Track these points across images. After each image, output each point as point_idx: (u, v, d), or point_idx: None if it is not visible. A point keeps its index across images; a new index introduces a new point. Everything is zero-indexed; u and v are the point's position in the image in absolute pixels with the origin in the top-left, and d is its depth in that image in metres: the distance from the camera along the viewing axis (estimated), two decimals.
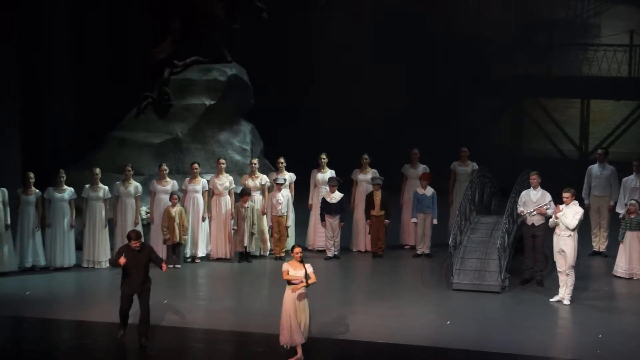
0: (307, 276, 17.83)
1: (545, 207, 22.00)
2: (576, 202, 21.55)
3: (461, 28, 36.08)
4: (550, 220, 21.57)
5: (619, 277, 24.16)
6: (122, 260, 18.52)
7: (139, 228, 24.21)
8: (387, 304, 21.93)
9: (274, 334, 18.44)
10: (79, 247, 24.05)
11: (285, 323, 18.06)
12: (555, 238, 21.45)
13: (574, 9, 36.29)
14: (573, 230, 21.20)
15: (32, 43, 28.95)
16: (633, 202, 24.39)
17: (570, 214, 21.14)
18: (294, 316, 17.97)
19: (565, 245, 21.19)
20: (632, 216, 24.12)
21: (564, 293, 21.38)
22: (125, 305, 18.95)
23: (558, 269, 21.50)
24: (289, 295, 17.98)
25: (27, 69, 28.43)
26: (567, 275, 21.30)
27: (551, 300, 21.49)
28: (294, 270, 17.95)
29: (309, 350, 18.17)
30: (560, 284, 21.48)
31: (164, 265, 19.05)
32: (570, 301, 21.34)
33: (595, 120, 35.74)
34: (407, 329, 20.18)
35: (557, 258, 21.42)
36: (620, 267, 24.24)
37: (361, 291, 23.58)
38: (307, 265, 18.01)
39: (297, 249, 18.13)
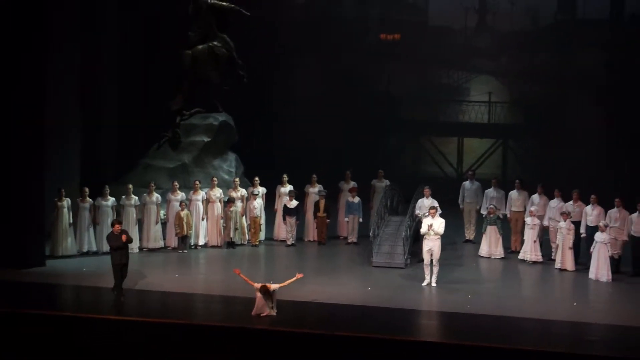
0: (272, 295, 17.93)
1: (433, 210, 21.94)
2: (437, 215, 21.51)
3: (380, 87, 36.03)
4: (422, 228, 21.31)
5: (483, 256, 24.24)
6: (124, 237, 19.41)
7: (159, 226, 24.27)
8: (328, 277, 21.90)
9: (250, 297, 18.41)
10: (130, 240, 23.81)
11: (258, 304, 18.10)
12: (425, 241, 21.18)
13: (454, 77, 36.30)
14: (441, 235, 21.15)
15: (91, 95, 28.72)
16: (491, 206, 24.50)
17: (437, 224, 21.13)
18: (262, 302, 18.00)
19: (433, 246, 21.05)
20: (491, 215, 24.24)
21: (430, 278, 21.07)
22: (118, 274, 19.37)
23: (425, 262, 21.19)
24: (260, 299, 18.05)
25: (87, 110, 28.20)
26: (434, 266, 21.05)
27: (423, 284, 21.07)
28: (262, 297, 17.93)
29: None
30: (427, 273, 21.12)
31: (124, 237, 19.49)
32: (436, 283, 21.07)
33: (467, 151, 35.78)
34: (342, 294, 20.16)
35: (426, 255, 21.14)
36: (484, 250, 24.31)
37: (311, 268, 23.42)
38: (274, 285, 18.01)
39: (265, 288, 18.03)
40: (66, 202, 23.06)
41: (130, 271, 19.92)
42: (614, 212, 22.58)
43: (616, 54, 33.67)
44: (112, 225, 19.93)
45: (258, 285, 18.11)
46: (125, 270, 19.60)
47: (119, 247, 19.39)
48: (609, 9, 34.09)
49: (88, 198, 23.47)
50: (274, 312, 18.03)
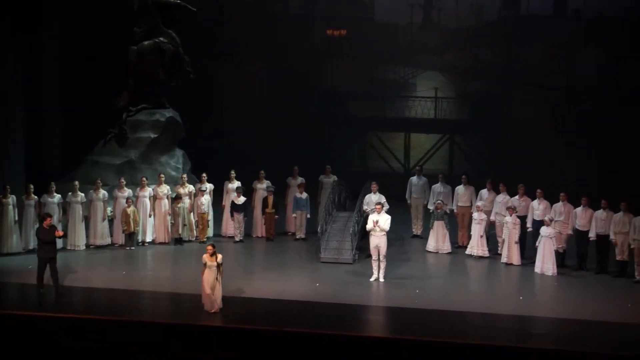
0: (218, 266, 17.96)
1: (382, 206, 22.03)
2: (384, 211, 21.60)
3: (326, 83, 36.07)
4: (368, 225, 21.39)
5: (430, 251, 24.40)
6: (59, 232, 19.98)
7: (105, 223, 24.10)
8: (276, 273, 21.92)
9: (198, 294, 18.39)
10: (64, 235, 23.59)
11: (205, 295, 18.11)
12: (372, 238, 21.23)
13: (400, 73, 36.46)
14: (387, 231, 21.25)
15: (33, 96, 28.39)
16: (439, 201, 24.67)
17: (383, 220, 21.24)
18: (208, 291, 18.01)
19: (380, 242, 21.13)
20: (438, 211, 24.40)
21: (378, 274, 21.15)
22: (42, 269, 19.42)
23: (373, 258, 21.23)
24: (206, 276, 18.03)
25: (31, 107, 27.90)
26: (381, 262, 21.14)
27: (371, 280, 21.17)
28: (209, 260, 18.04)
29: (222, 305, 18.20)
30: (374, 269, 21.21)
31: (58, 232, 19.98)
32: (384, 278, 21.17)
33: (414, 147, 35.94)
34: (290, 290, 20.21)
35: (373, 252, 21.19)
36: (431, 245, 24.46)
37: (259, 264, 23.53)
38: (219, 257, 18.12)
39: (209, 246, 18.35)
40: (11, 199, 22.79)
41: (76, 268, 19.84)
42: (559, 206, 22.87)
43: (560, 48, 34.10)
44: (42, 219, 20.00)
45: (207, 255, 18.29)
46: (54, 264, 19.55)
47: (50, 241, 19.51)
48: (553, 5, 34.50)
49: (33, 195, 23.20)
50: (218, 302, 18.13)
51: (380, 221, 21.14)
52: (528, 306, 19.48)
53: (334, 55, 35.82)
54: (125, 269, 22.03)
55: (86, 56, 31.43)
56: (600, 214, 22.19)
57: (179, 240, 24.76)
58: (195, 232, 25.19)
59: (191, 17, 28.03)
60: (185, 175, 25.66)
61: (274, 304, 19.15)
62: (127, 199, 24.10)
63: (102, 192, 24.16)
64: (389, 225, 21.25)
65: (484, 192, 24.64)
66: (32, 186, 23.35)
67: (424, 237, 25.23)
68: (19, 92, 26.69)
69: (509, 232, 23.02)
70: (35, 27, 28.42)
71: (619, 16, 33.03)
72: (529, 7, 34.80)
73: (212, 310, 18.06)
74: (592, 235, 22.30)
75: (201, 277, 18.23)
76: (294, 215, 25.69)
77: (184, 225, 24.77)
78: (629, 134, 32.11)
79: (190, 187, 25.24)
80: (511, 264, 22.95)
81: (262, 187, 25.87)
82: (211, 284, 18.04)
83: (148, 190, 24.65)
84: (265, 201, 25.50)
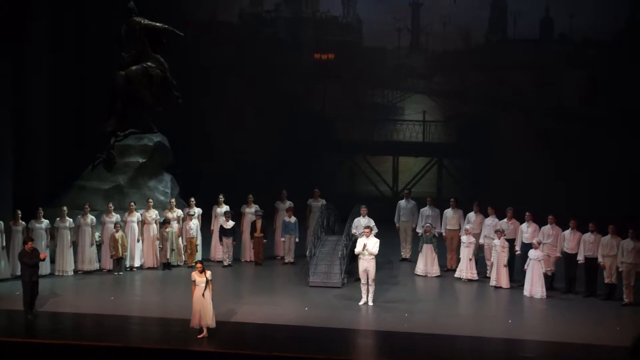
0: (207, 282, 18.02)
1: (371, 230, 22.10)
2: (372, 235, 21.70)
3: (314, 107, 36.13)
4: (357, 249, 21.45)
5: (419, 275, 24.47)
6: (43, 255, 20.31)
7: (93, 249, 24.14)
8: (265, 297, 21.96)
9: (187, 318, 18.39)
10: (52, 260, 23.64)
11: (195, 312, 18.13)
12: (360, 261, 21.25)
13: (388, 97, 36.54)
14: (375, 255, 21.29)
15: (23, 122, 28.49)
16: (427, 225, 24.78)
17: (371, 244, 21.30)
18: (197, 308, 18.08)
19: (369, 266, 21.15)
20: (427, 234, 24.51)
21: (367, 298, 21.18)
22: (28, 293, 19.49)
23: (362, 282, 21.27)
24: (197, 293, 18.09)
25: (19, 132, 27.96)
26: (370, 285, 21.16)
27: (360, 303, 21.20)
28: (198, 277, 18.12)
29: (210, 330, 18.18)
30: (363, 293, 21.24)
31: (42, 254, 20.33)
32: (373, 302, 21.21)
33: (402, 170, 35.94)
34: (279, 314, 20.25)
35: (362, 275, 21.23)
36: (420, 268, 24.53)
37: (248, 288, 23.55)
38: (208, 273, 18.20)
39: (199, 264, 18.43)
40: None
41: (65, 294, 19.81)
42: (547, 229, 22.98)
43: (546, 72, 34.33)
44: (24, 242, 20.18)
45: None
46: (37, 288, 19.68)
47: (34, 264, 19.57)
48: (539, 29, 34.77)
49: (21, 221, 23.22)
50: (212, 323, 18.11)
51: (368, 245, 21.20)
52: (517, 329, 19.55)
53: (322, 78, 35.92)
54: (114, 294, 22.05)
55: (74, 81, 31.54)
56: (589, 236, 22.31)
57: (167, 265, 24.78)
58: (183, 256, 25.23)
59: (179, 42, 28.16)
60: (173, 200, 25.73)
61: (263, 328, 19.17)
62: (115, 224, 24.13)
63: (90, 218, 24.19)
64: (377, 249, 21.30)
65: (471, 215, 24.75)
66: (19, 212, 23.37)
67: (413, 261, 25.27)
68: (6, 115, 26.70)
69: (498, 255, 23.11)
70: (22, 52, 28.47)
71: (604, 40, 33.32)
72: (515, 31, 35.01)
73: (199, 327, 18.11)
74: (580, 258, 22.41)
75: (192, 295, 18.30)
76: (283, 239, 25.74)
77: (172, 250, 24.81)
78: (617, 156, 32.29)
79: (178, 212, 25.30)
80: (500, 287, 23.03)
81: (251, 211, 25.96)
82: (200, 301, 18.09)
83: (136, 215, 24.72)
84: (253, 225, 25.56)
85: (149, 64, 27.69)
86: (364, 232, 21.69)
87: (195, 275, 18.31)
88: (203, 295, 18.09)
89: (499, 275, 23.11)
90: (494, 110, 35.15)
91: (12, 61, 27.36)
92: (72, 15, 31.52)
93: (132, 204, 24.93)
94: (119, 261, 24.07)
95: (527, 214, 23.47)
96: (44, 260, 20.20)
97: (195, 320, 18.17)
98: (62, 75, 30.68)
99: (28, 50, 28.95)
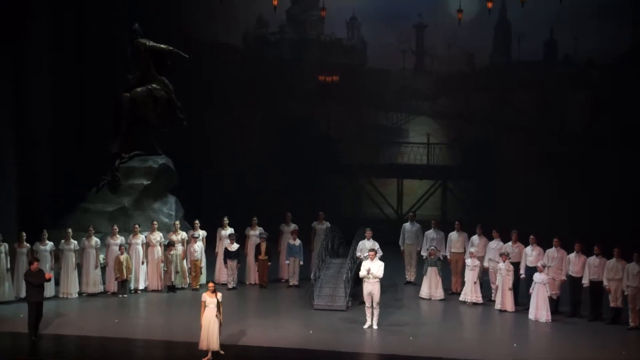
0: (218, 304, 18.05)
1: (375, 253, 22.12)
2: (377, 258, 21.72)
3: (319, 129, 36.19)
4: (361, 273, 21.48)
5: (423, 298, 24.48)
6: (48, 275, 20.42)
7: (98, 271, 24.18)
8: (270, 320, 22.00)
9: (192, 342, 18.44)
10: (57, 283, 23.67)
11: (204, 334, 18.21)
12: (365, 284, 21.30)
13: (392, 119, 36.60)
14: (380, 278, 21.30)
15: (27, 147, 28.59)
16: (432, 248, 24.80)
17: (376, 267, 21.33)
18: (205, 329, 18.12)
19: (373, 289, 21.20)
20: (432, 257, 24.52)
21: (372, 321, 21.23)
22: (33, 314, 19.64)
23: (367, 305, 21.31)
24: (206, 314, 18.16)
25: (24, 154, 28.08)
26: (375, 308, 21.21)
27: (364, 327, 21.24)
28: (209, 298, 18.18)
29: (216, 352, 18.21)
30: (368, 316, 21.29)
31: (47, 274, 20.45)
32: (378, 325, 21.26)
33: (406, 193, 35.96)
34: (283, 337, 20.31)
35: (367, 298, 21.27)
36: (424, 291, 24.55)
37: (252, 311, 23.57)
38: (219, 295, 18.28)
39: (211, 284, 18.46)
40: (3, 247, 22.79)
41: (69, 316, 19.83)
42: (552, 252, 23.01)
43: (550, 93, 34.43)
44: (30, 262, 20.33)
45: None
46: (41, 308, 19.81)
47: (38, 284, 19.68)
48: (543, 51, 34.90)
49: (26, 243, 23.25)
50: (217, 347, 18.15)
51: (373, 268, 21.23)
52: (522, 353, 19.55)
53: (326, 101, 36.04)
54: (118, 316, 22.08)
55: (80, 102, 31.61)
56: (593, 260, 22.33)
57: (171, 288, 24.82)
58: (188, 279, 25.25)
59: (183, 63, 28.27)
60: (178, 222, 25.79)
61: (267, 351, 19.21)
62: (120, 246, 24.19)
63: (95, 240, 24.24)
64: (382, 272, 21.34)
65: (475, 238, 24.77)
66: (24, 234, 23.41)
67: (418, 284, 25.28)
68: (11, 138, 26.82)
69: (503, 278, 23.12)
70: (27, 72, 28.60)
71: (607, 62, 33.44)
72: (519, 53, 35.13)
73: (207, 349, 18.14)
74: (585, 281, 22.41)
75: (200, 316, 18.35)
76: (287, 262, 25.77)
77: (177, 272, 24.84)
78: (621, 176, 32.32)
79: (183, 234, 25.34)
80: (505, 311, 23.03)
81: (255, 233, 26.00)
82: (209, 322, 18.15)
83: (141, 238, 24.76)
84: (258, 248, 25.60)
85: (154, 85, 27.78)
86: (369, 254, 21.72)
87: (206, 296, 18.37)
88: (215, 316, 18.16)
89: (504, 299, 23.11)
90: (498, 131, 35.22)
91: (16, 83, 27.49)
92: (72, 15, 31.37)
93: (137, 226, 24.99)
94: (123, 283, 24.11)
95: (531, 237, 23.50)
96: (49, 280, 20.32)
97: (203, 342, 18.20)
98: (67, 97, 30.74)
99: (32, 72, 29.09)
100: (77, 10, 31.57)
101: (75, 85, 31.55)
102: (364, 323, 21.31)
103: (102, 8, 31.39)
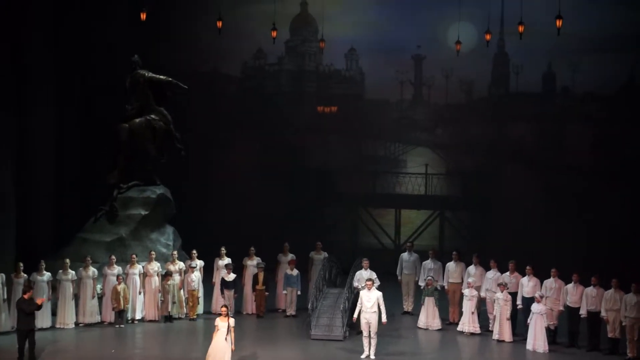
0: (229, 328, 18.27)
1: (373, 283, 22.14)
2: (374, 288, 21.73)
3: (317, 159, 36.31)
4: (358, 305, 21.47)
5: (420, 327, 24.48)
6: (40, 300, 20.62)
7: (95, 301, 24.19)
8: (267, 350, 21.96)
9: None
10: (53, 313, 23.68)
11: (208, 356, 18.38)
12: (362, 315, 21.31)
13: (390, 150, 36.78)
14: (380, 307, 21.34)
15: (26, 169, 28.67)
16: (429, 278, 24.83)
17: (374, 297, 21.37)
18: (212, 350, 18.27)
19: (371, 319, 21.22)
20: (429, 287, 24.55)
21: (369, 351, 21.20)
22: (23, 342, 19.87)
23: (364, 335, 21.31)
24: (217, 337, 18.35)
25: (22, 184, 28.14)
26: (372, 338, 21.19)
27: (362, 357, 21.22)
28: (221, 322, 18.37)
29: None
30: (365, 346, 21.26)
31: (39, 299, 20.71)
32: (375, 355, 21.23)
33: (404, 223, 36.06)
34: None
35: (364, 328, 21.27)
36: (422, 321, 24.56)
37: (249, 341, 23.45)
38: (232, 320, 18.43)
39: (223, 308, 18.77)
40: (0, 277, 22.74)
41: (66, 347, 19.82)
42: (549, 282, 23.04)
43: (548, 125, 34.62)
44: (24, 291, 20.54)
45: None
46: (33, 337, 19.98)
47: (30, 312, 19.86)
48: (541, 83, 35.10)
49: (23, 273, 23.25)
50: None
51: (370, 297, 21.26)
52: None
53: (325, 131, 36.20)
54: (115, 347, 22.06)
55: (79, 133, 31.71)
56: (591, 290, 22.36)
57: (168, 318, 24.81)
58: (185, 309, 25.24)
59: (182, 95, 28.44)
60: (175, 252, 25.82)
61: None
62: (117, 276, 24.21)
63: (92, 270, 24.28)
64: (382, 302, 21.36)
65: (472, 268, 24.80)
66: (21, 264, 23.41)
67: (415, 314, 25.29)
68: (10, 168, 26.90)
69: (500, 308, 23.14)
70: (28, 101, 28.73)
71: (606, 94, 33.66)
72: (518, 85, 35.36)
73: None
74: (583, 312, 22.43)
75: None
76: (285, 292, 25.80)
77: (174, 302, 24.84)
78: (620, 209, 32.43)
79: (180, 264, 25.36)
80: (503, 341, 23.03)
81: (253, 263, 26.05)
82: (216, 344, 18.28)
83: (138, 268, 24.79)
84: (255, 278, 25.64)
85: (153, 116, 27.89)
86: (367, 284, 21.76)
87: (218, 320, 18.67)
88: (225, 339, 18.35)
89: (502, 329, 23.13)
90: (496, 162, 35.36)
91: (16, 113, 27.62)
92: (72, 21, 31.48)
93: (134, 256, 25.03)
94: (120, 313, 24.11)
95: (527, 267, 23.51)
96: (41, 306, 20.36)
97: None
98: (66, 128, 30.87)
99: (34, 101, 29.20)
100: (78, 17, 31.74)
101: (78, 116, 31.71)
102: (362, 353, 21.31)
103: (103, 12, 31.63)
